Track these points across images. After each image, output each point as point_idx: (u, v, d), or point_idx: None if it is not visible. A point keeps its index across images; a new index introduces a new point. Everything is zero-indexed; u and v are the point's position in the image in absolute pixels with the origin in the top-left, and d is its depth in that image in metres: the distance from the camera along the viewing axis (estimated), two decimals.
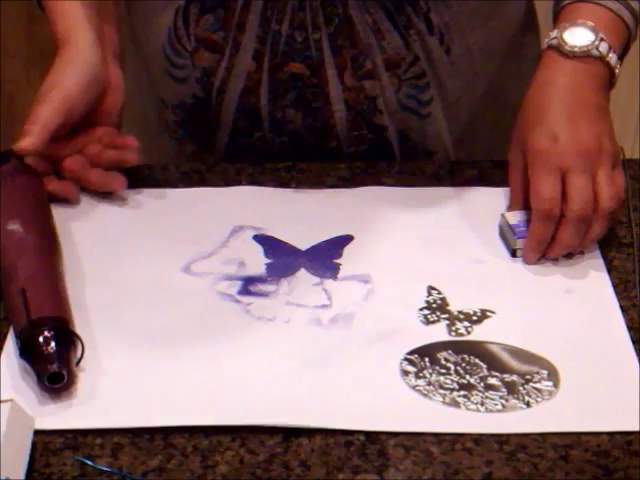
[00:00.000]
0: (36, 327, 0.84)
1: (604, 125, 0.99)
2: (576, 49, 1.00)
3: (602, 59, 1.01)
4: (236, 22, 1.08)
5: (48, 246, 0.95)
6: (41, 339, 0.84)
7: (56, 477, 0.79)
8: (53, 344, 0.84)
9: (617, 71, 1.02)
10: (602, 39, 1.01)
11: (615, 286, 0.95)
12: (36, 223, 0.96)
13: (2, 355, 0.88)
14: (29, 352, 0.84)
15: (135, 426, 0.82)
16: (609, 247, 1.00)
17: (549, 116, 0.99)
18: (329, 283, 0.94)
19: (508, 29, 1.18)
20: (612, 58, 1.01)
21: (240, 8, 1.07)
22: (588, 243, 0.97)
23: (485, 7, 1.13)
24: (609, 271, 0.97)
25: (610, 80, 1.03)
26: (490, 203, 1.05)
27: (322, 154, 1.13)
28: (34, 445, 0.80)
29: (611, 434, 0.81)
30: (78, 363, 0.86)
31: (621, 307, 0.93)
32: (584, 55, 1.00)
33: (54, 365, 0.83)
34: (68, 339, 0.85)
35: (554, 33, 1.02)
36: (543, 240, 0.96)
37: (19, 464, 0.77)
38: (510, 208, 1.02)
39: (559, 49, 1.01)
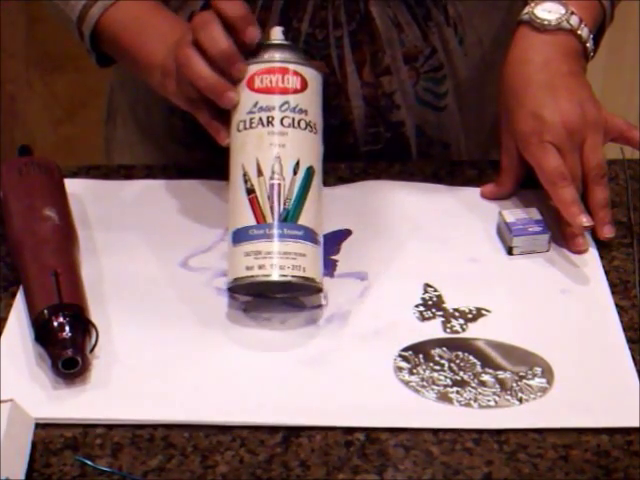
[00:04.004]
0: (64, 310, 0.87)
1: (582, 91, 1.00)
2: (546, 22, 1.02)
3: (573, 32, 1.02)
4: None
5: (73, 236, 0.98)
6: (58, 324, 0.86)
7: (56, 477, 0.79)
8: (69, 329, 0.85)
9: (589, 45, 1.03)
10: (573, 12, 1.02)
11: (615, 286, 0.95)
12: (64, 212, 0.99)
13: (2, 343, 0.90)
14: (44, 337, 0.86)
15: (131, 419, 0.83)
16: (609, 247, 1.00)
17: (527, 97, 1.00)
18: (326, 280, 0.94)
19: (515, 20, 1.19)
20: (583, 30, 1.02)
21: (260, 8, 1.07)
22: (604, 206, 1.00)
23: (498, 3, 1.15)
24: (609, 271, 0.97)
25: (584, 53, 1.03)
26: (488, 202, 1.05)
27: (338, 153, 1.12)
28: (34, 445, 0.80)
29: (611, 434, 0.81)
30: (92, 350, 0.87)
31: (621, 307, 0.93)
32: (555, 29, 1.02)
33: (69, 350, 0.84)
34: (83, 326, 0.87)
35: (526, 9, 1.03)
36: (575, 199, 0.97)
37: (19, 464, 0.77)
38: (495, 185, 1.05)
39: (531, 24, 1.02)
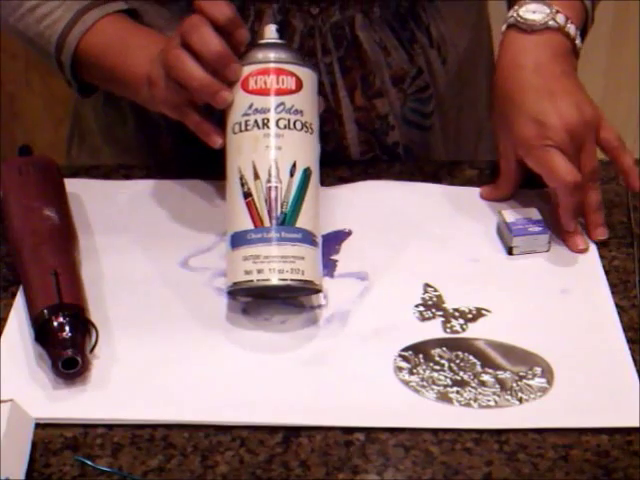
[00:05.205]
0: (64, 310, 0.86)
1: (578, 92, 1.00)
2: (533, 23, 1.01)
3: (560, 30, 1.01)
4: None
5: (73, 235, 0.98)
6: (58, 325, 0.86)
7: (56, 477, 0.79)
8: (69, 330, 0.85)
9: (578, 42, 1.03)
10: (558, 11, 1.01)
11: (615, 286, 0.95)
12: (64, 212, 0.99)
13: (2, 343, 0.90)
14: (44, 337, 0.86)
15: (132, 419, 0.83)
16: (609, 247, 1.00)
17: (525, 102, 0.99)
18: (326, 281, 0.94)
19: (486, 37, 1.21)
20: (570, 28, 1.02)
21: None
22: (597, 209, 1.00)
23: (469, 17, 1.16)
24: (609, 271, 0.97)
25: (573, 50, 1.03)
26: (489, 202, 1.05)
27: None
28: (34, 445, 0.80)
29: (611, 434, 0.81)
30: (92, 350, 0.87)
31: (621, 307, 0.93)
32: (542, 28, 1.01)
33: (69, 350, 0.84)
34: (83, 326, 0.87)
35: (511, 12, 1.03)
36: (577, 208, 0.98)
37: (19, 464, 0.77)
38: (494, 188, 1.05)
39: (517, 26, 1.02)
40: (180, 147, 1.11)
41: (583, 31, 1.06)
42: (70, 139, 1.27)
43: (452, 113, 1.17)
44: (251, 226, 0.89)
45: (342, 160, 1.12)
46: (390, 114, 1.12)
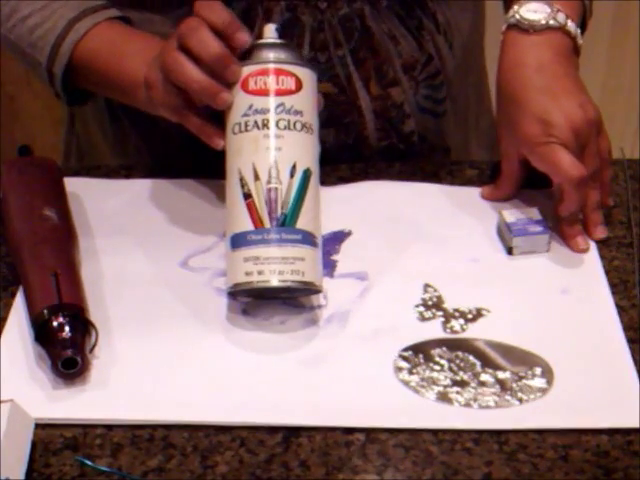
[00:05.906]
0: (64, 310, 0.86)
1: (581, 93, 1.00)
2: (535, 23, 1.01)
3: (562, 29, 1.01)
4: None
5: (73, 235, 0.98)
6: (58, 325, 0.86)
7: (56, 477, 0.79)
8: (68, 330, 0.85)
9: (579, 40, 1.03)
10: (558, 10, 1.01)
11: (615, 286, 0.95)
12: (64, 212, 0.99)
13: (2, 343, 0.90)
14: (44, 337, 0.86)
15: (131, 419, 0.83)
16: (609, 247, 1.00)
17: (529, 102, 0.99)
18: (326, 280, 0.94)
19: (482, 21, 1.21)
20: (571, 27, 1.02)
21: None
22: (596, 208, 1.01)
23: (471, 3, 1.16)
24: (609, 271, 0.97)
25: (574, 49, 1.03)
26: (489, 202, 1.05)
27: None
28: (34, 445, 0.80)
29: (611, 434, 0.81)
30: (91, 350, 0.87)
31: (621, 307, 0.93)
32: (543, 28, 1.01)
33: (69, 350, 0.84)
34: (83, 326, 0.87)
35: (511, 12, 1.03)
36: (581, 205, 0.98)
37: (19, 464, 0.77)
38: (495, 188, 1.05)
39: (518, 26, 1.02)
40: (189, 148, 1.11)
41: (583, 25, 1.06)
42: (67, 155, 1.27)
43: (461, 98, 1.18)
44: (251, 227, 0.89)
45: (361, 151, 1.13)
46: (405, 103, 1.12)
